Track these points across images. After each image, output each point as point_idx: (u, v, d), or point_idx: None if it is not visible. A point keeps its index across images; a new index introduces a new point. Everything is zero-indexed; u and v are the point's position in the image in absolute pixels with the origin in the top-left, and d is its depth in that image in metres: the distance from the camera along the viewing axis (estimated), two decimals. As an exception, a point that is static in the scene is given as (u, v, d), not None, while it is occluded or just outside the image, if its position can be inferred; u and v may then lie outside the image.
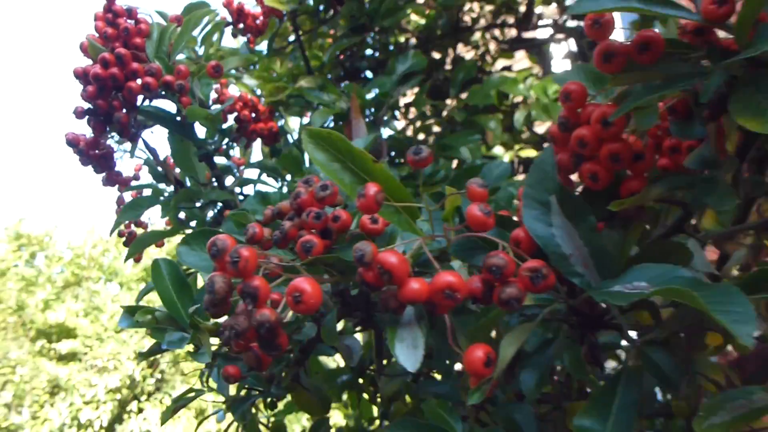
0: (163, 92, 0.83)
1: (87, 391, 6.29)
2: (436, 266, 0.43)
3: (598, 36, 0.44)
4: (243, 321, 0.42)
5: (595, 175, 0.47)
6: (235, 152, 1.30)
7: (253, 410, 0.90)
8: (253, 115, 1.17)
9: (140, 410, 6.70)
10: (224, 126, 1.19)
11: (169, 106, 0.92)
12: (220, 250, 0.43)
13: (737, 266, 0.64)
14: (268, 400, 0.75)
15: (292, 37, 1.46)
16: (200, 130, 1.19)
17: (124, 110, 0.82)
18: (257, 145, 1.28)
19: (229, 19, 1.32)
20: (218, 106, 0.91)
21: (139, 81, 0.81)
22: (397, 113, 1.70)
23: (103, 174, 0.93)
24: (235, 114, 1.15)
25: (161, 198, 0.90)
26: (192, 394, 0.84)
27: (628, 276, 0.43)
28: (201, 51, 1.27)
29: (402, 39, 1.93)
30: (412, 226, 0.47)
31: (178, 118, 0.87)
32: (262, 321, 0.41)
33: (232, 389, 0.75)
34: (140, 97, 0.87)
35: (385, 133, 1.34)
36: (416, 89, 1.44)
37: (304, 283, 0.41)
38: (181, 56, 1.27)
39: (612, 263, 0.46)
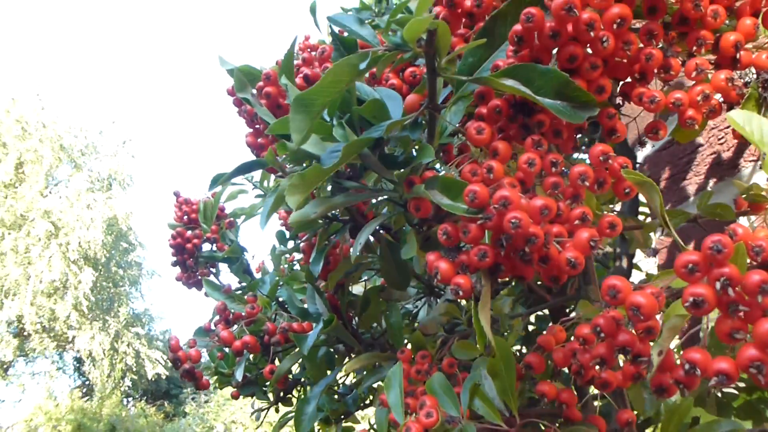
0: (210, 243, 1.46)
1: None
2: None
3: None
4: (180, 371, 0.99)
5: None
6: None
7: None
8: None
9: None
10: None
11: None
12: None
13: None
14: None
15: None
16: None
17: (191, 259, 1.45)
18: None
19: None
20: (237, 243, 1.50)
21: (194, 241, 1.45)
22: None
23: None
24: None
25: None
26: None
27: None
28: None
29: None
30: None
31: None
32: (184, 369, 0.98)
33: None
34: (206, 246, 1.51)
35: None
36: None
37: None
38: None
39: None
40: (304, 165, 0.60)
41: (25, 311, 11.33)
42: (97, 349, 12.15)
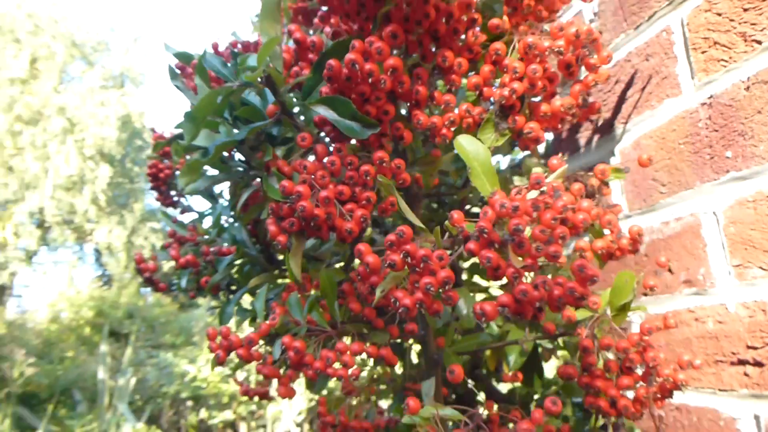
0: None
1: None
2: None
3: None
4: (143, 278, 1.31)
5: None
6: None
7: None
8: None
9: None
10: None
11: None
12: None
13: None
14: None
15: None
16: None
17: (165, 186, 1.76)
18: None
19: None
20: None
21: (166, 172, 1.74)
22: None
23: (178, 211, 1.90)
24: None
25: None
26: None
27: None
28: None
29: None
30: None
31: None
32: (145, 277, 1.30)
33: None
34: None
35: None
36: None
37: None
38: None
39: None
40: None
41: (45, 204, 11.87)
42: (114, 242, 12.79)
